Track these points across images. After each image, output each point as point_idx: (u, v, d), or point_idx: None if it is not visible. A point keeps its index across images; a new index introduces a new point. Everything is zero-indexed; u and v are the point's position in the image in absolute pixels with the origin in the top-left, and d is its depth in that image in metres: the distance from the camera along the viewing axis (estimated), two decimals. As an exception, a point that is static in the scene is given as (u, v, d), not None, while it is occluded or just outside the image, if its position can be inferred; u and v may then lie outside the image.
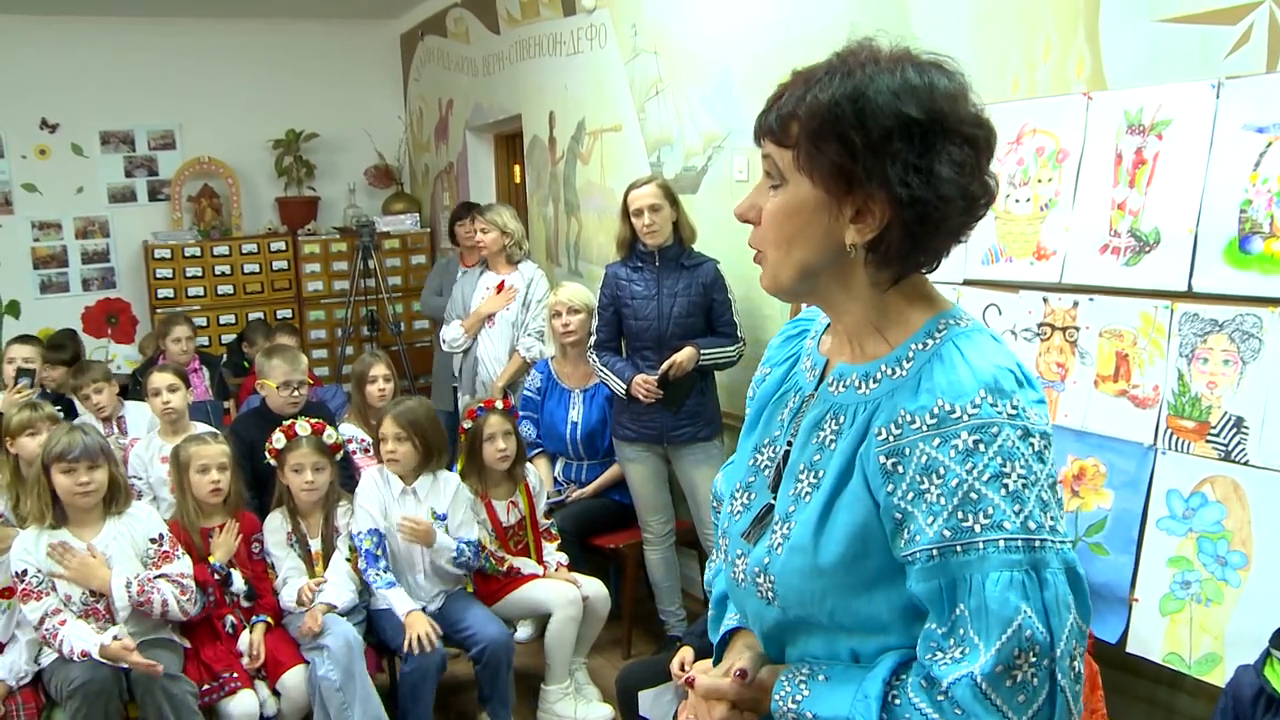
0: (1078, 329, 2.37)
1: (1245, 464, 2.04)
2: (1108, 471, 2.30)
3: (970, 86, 1.08)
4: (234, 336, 6.14)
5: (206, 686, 2.91)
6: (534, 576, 3.44)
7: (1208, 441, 2.10)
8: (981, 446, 1.01)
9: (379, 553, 3.19)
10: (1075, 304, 2.38)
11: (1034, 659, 0.98)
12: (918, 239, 1.07)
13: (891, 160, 1.03)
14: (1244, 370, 2.04)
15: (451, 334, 4.60)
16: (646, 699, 2.68)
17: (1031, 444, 1.02)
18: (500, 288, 4.52)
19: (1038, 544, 1.00)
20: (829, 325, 1.24)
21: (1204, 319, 2.11)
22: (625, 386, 3.60)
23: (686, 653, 2.44)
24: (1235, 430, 2.06)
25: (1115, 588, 2.26)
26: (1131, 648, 2.24)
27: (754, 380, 1.36)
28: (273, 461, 3.27)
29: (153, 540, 2.98)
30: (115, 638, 2.76)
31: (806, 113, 1.05)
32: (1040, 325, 2.46)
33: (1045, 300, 2.45)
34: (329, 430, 3.31)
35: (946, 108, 1.04)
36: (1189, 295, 2.14)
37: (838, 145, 1.03)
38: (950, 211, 1.06)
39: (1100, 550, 2.30)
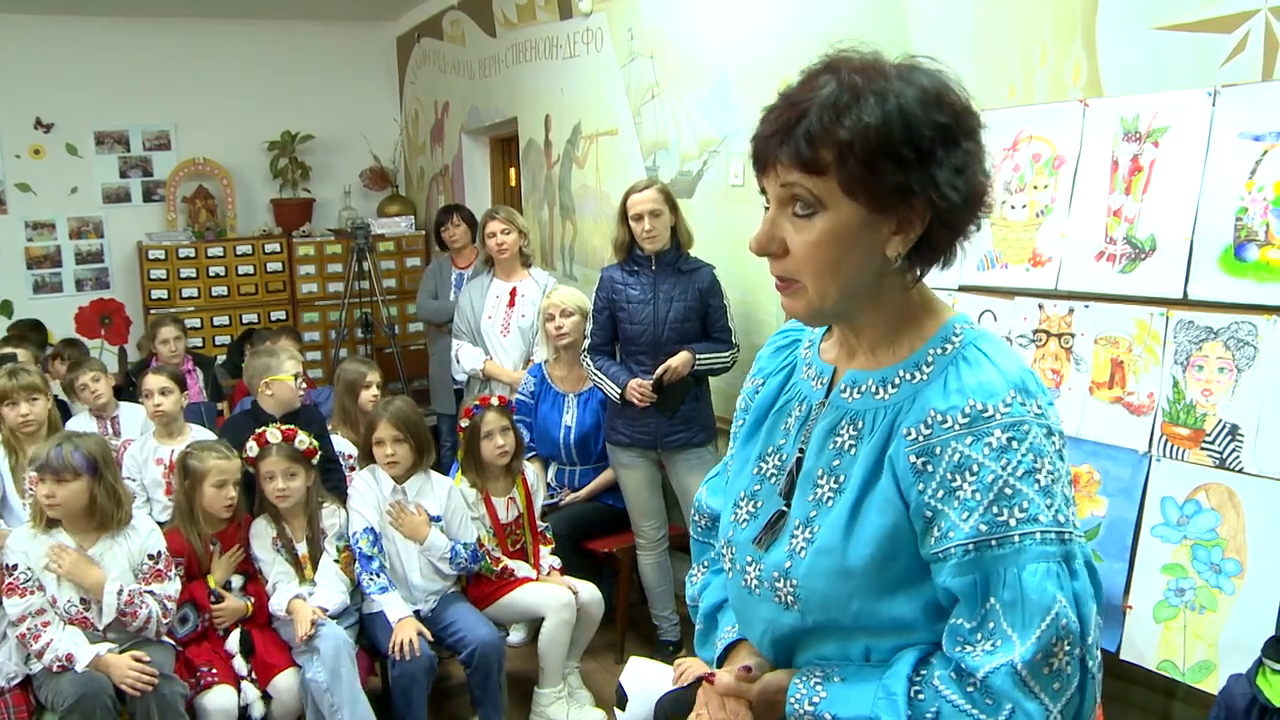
0: (1073, 335, 2.37)
1: (1240, 471, 2.04)
2: (1102, 478, 2.30)
3: (952, 78, 1.11)
4: (230, 339, 6.12)
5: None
6: (527, 580, 3.44)
7: (1202, 449, 2.11)
8: (1014, 444, 1.04)
9: (374, 552, 3.19)
10: (1071, 310, 2.38)
11: (1068, 647, 1.03)
12: (957, 231, 1.11)
13: (939, 168, 1.05)
14: (1239, 378, 2.04)
15: (470, 364, 4.43)
16: (633, 671, 2.56)
17: (1054, 442, 1.07)
18: (513, 296, 4.45)
19: (1067, 536, 1.05)
20: (826, 332, 1.26)
21: (1199, 326, 2.11)
22: (620, 391, 3.58)
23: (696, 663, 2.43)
24: (1230, 438, 2.06)
25: (1109, 595, 2.26)
26: (1125, 655, 2.24)
27: (745, 392, 1.37)
28: (250, 469, 3.25)
29: (151, 557, 2.94)
30: (109, 651, 2.75)
31: (856, 138, 1.03)
32: (1036, 332, 2.46)
33: (1041, 307, 2.45)
34: (300, 436, 3.25)
35: (959, 106, 1.08)
36: (1184, 302, 2.14)
37: (893, 165, 1.04)
38: (984, 199, 1.11)
39: (1094, 557, 2.29)
